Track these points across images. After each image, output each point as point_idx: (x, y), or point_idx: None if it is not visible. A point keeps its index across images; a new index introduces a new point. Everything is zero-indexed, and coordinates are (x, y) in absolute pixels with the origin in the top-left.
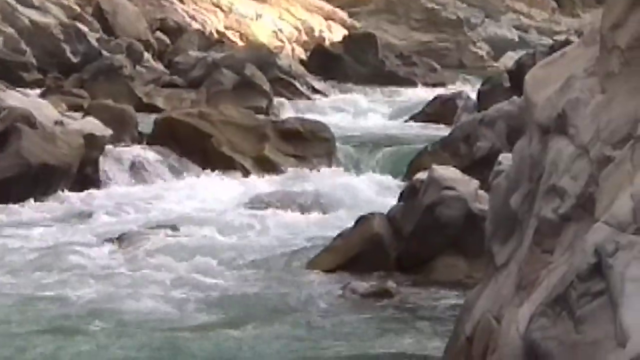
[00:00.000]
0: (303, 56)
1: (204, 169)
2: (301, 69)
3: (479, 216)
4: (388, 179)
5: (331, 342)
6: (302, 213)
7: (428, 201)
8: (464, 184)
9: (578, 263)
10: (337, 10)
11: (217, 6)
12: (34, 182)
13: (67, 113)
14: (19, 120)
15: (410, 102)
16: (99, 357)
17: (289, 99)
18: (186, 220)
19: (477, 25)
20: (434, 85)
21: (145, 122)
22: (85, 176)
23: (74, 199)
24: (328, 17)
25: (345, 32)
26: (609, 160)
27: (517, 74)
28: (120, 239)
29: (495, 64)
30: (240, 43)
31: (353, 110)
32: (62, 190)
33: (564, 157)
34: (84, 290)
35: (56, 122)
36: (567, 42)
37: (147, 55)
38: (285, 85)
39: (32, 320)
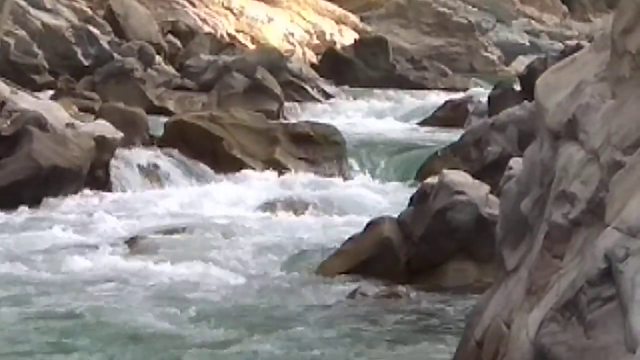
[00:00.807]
0: (314, 60)
1: (214, 172)
2: (312, 73)
3: (490, 221)
4: (398, 183)
5: (341, 345)
6: (313, 216)
7: (438, 206)
8: (474, 189)
9: (588, 268)
10: (349, 14)
11: (229, 9)
12: (45, 184)
13: (79, 115)
14: (30, 123)
15: (421, 106)
16: None
17: (299, 102)
18: (196, 223)
19: (489, 29)
20: (445, 89)
21: (156, 125)
22: (96, 179)
23: (84, 201)
24: (339, 21)
25: (357, 36)
26: (619, 165)
27: (528, 78)
28: (130, 242)
29: (506, 69)
30: (252, 46)
31: (364, 114)
32: (73, 193)
33: (575, 162)
34: (90, 294)
35: (67, 125)
36: (578, 47)
37: (158, 58)
38: (296, 89)
39: (34, 325)
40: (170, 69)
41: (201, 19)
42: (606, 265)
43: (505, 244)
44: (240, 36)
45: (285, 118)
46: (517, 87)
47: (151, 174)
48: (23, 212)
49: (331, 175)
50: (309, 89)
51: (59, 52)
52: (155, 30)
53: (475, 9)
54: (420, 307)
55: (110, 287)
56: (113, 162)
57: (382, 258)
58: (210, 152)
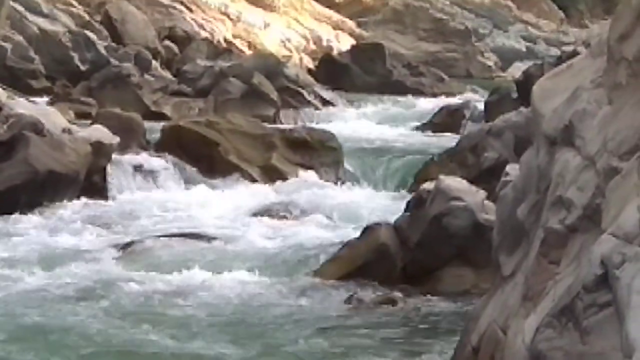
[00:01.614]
0: (311, 65)
1: (211, 177)
2: (309, 78)
3: (486, 227)
4: (395, 189)
5: (337, 351)
6: (309, 222)
7: (435, 211)
8: (471, 195)
9: (584, 274)
10: (346, 20)
11: (226, 15)
12: (41, 189)
13: (75, 121)
14: (27, 128)
15: (418, 112)
16: None
17: (296, 108)
18: (192, 228)
19: (485, 35)
20: (442, 95)
21: (153, 131)
22: (92, 184)
23: (81, 206)
24: (336, 27)
25: (354, 41)
26: (615, 171)
27: (525, 84)
28: (126, 247)
29: (503, 75)
30: (248, 52)
31: (360, 120)
32: (70, 199)
33: (571, 168)
34: (84, 300)
35: (64, 130)
36: (575, 53)
37: (155, 63)
38: (293, 95)
39: (26, 332)
40: (167, 75)
41: (198, 25)
42: (602, 271)
43: (502, 250)
44: (237, 42)
45: (282, 123)
46: (514, 93)
47: (147, 179)
48: (19, 217)
49: (328, 181)
50: (306, 95)
51: (55, 58)
52: (152, 36)
53: (472, 15)
54: (416, 312)
55: (104, 293)
56: (109, 167)
57: (378, 264)
58: (207, 158)
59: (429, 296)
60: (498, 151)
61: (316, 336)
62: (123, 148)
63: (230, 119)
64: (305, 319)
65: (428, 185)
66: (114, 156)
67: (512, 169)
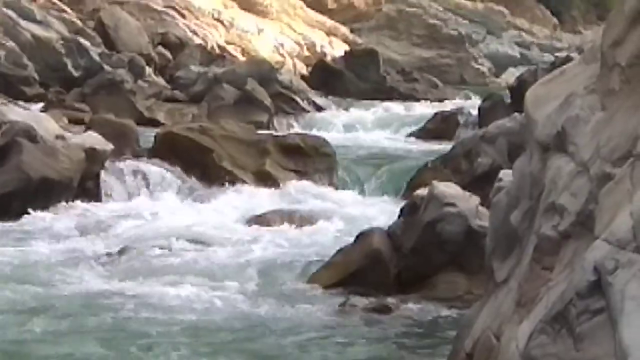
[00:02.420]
0: (304, 71)
1: (204, 183)
2: (302, 84)
3: (480, 233)
4: (389, 195)
5: (331, 358)
6: (303, 228)
7: (428, 217)
8: (464, 201)
9: (577, 280)
10: (339, 25)
11: (219, 21)
12: (34, 196)
13: (69, 127)
14: (20, 135)
15: (412, 118)
16: None
17: (290, 114)
18: (185, 235)
19: (479, 41)
20: (435, 101)
21: (146, 137)
22: (86, 190)
23: (74, 213)
24: (330, 33)
25: (347, 47)
26: (608, 177)
27: (519, 90)
28: (119, 254)
29: (496, 80)
30: (242, 58)
31: (354, 126)
32: (63, 205)
33: (564, 174)
34: (75, 309)
35: (57, 137)
36: (568, 59)
37: (148, 69)
38: (287, 101)
39: (17, 337)
40: (160, 81)
41: (191, 31)
42: (595, 277)
43: (495, 256)
44: (230, 48)
45: (275, 130)
46: (507, 99)
47: (141, 185)
48: (11, 224)
49: (321, 187)
50: (299, 101)
51: (49, 64)
52: (146, 42)
53: (465, 21)
54: (410, 318)
55: (96, 302)
56: (103, 173)
57: (372, 270)
58: (201, 164)
59: (422, 302)
60: (492, 157)
61: (309, 343)
62: (117, 154)
63: (224, 125)
64: (298, 326)
65: (422, 191)
66: (107, 162)
67: (506, 175)
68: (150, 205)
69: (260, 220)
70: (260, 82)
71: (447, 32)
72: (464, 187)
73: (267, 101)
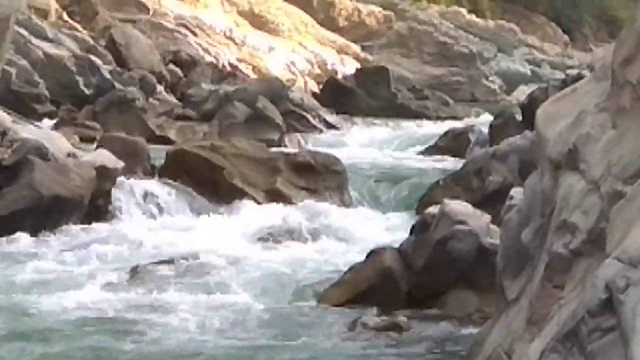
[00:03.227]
0: (315, 89)
1: (215, 201)
2: (313, 102)
3: (491, 251)
4: (400, 213)
5: None
6: (314, 246)
7: (439, 235)
8: (475, 219)
9: (589, 298)
10: (350, 43)
11: (230, 39)
12: (45, 214)
13: (80, 145)
14: (32, 152)
15: (423, 135)
16: None
17: (301, 132)
18: (196, 253)
19: (490, 59)
20: (447, 118)
21: (157, 155)
22: (97, 208)
23: (85, 231)
24: (341, 51)
25: (358, 65)
26: (620, 195)
27: (530, 107)
28: (130, 273)
29: (507, 98)
30: (253, 76)
31: (365, 144)
32: (74, 223)
33: (575, 192)
34: (87, 326)
35: (69, 154)
36: (579, 77)
37: (159, 87)
38: (298, 118)
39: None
40: (171, 99)
41: (203, 49)
42: (607, 295)
43: (506, 274)
44: (241, 65)
45: (286, 147)
46: (519, 117)
47: (152, 203)
48: (23, 242)
49: (332, 205)
50: (311, 119)
51: (60, 82)
52: (157, 60)
53: (476, 39)
54: (421, 337)
55: (108, 319)
56: (114, 191)
57: (383, 288)
58: (212, 182)
59: (433, 320)
60: (503, 175)
61: None
62: (128, 172)
63: (235, 143)
64: (309, 345)
65: (433, 209)
66: (118, 180)
67: (517, 193)
68: (161, 222)
69: (271, 238)
70: (271, 100)
71: (458, 50)
72: (475, 205)
73: (278, 119)
